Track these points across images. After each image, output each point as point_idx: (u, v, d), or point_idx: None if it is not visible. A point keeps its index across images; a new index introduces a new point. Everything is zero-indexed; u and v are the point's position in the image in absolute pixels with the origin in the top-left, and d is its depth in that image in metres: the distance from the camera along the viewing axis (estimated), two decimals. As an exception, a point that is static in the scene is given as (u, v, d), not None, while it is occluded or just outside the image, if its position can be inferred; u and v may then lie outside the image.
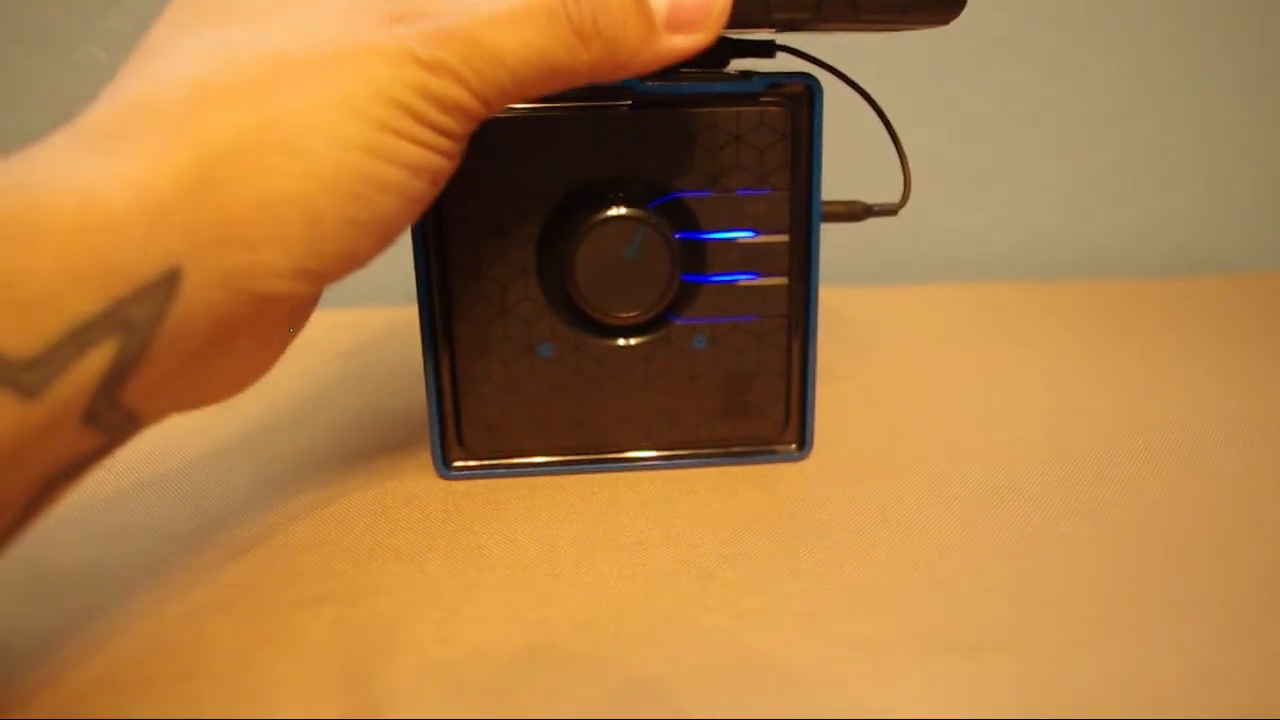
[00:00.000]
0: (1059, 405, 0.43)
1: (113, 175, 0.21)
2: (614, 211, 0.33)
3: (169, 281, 0.21)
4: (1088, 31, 0.66)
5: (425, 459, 0.38)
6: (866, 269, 0.69)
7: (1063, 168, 0.69)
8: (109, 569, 0.30)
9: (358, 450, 0.39)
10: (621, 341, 0.35)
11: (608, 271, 0.33)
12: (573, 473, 0.36)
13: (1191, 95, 0.68)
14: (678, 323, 0.35)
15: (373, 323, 0.59)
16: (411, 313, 0.56)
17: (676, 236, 0.33)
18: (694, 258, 0.34)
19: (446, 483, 0.36)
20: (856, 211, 0.37)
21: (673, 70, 0.31)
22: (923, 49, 0.65)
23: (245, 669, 0.26)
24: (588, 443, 0.36)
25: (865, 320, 0.57)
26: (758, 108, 0.33)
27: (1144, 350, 0.51)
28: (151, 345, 0.21)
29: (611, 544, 0.32)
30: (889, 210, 0.37)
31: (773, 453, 0.37)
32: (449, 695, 0.24)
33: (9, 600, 0.29)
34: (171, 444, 0.40)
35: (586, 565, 0.30)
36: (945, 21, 0.30)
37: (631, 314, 0.34)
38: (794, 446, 0.37)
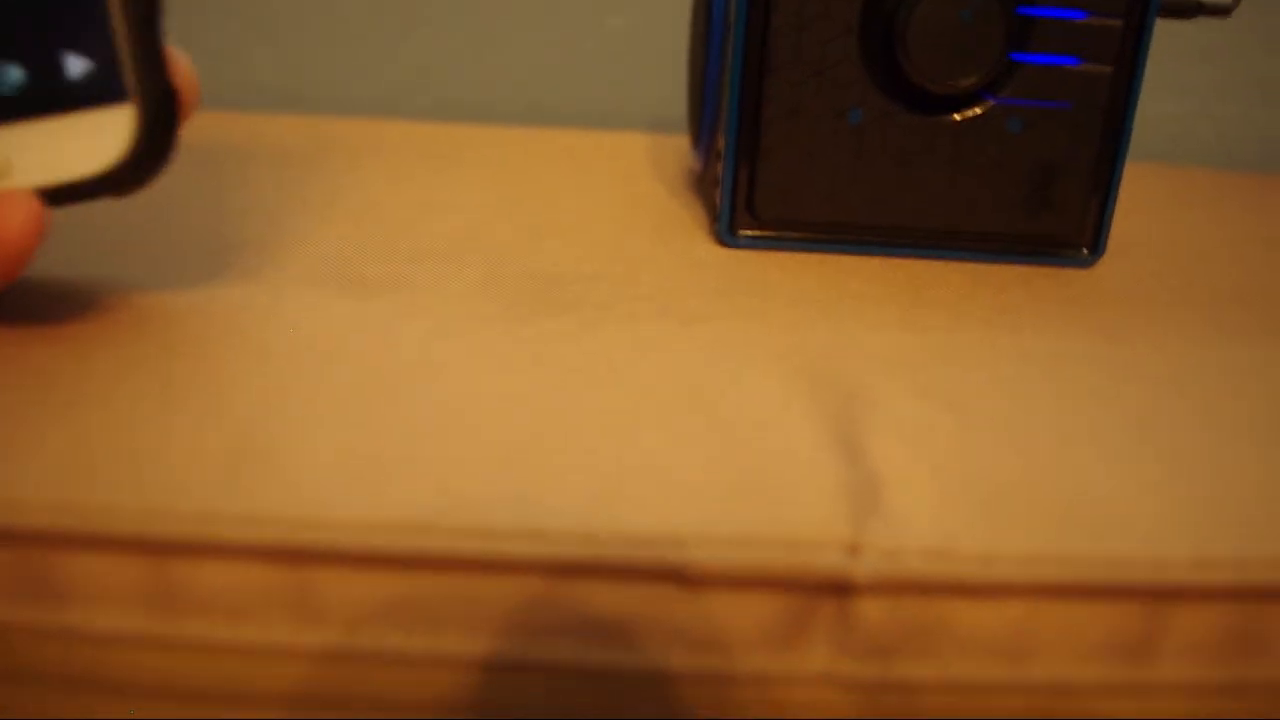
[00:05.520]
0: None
1: None
2: (956, -31, 0.32)
3: None
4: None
5: (692, 232, 0.37)
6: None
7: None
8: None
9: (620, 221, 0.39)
10: (934, 117, 0.34)
11: (939, 35, 0.32)
12: (857, 253, 0.35)
13: None
14: (994, 102, 0.34)
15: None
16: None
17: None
18: (1020, 33, 0.33)
19: (729, 250, 0.35)
20: (1189, 7, 0.35)
21: None
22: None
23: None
24: (880, 222, 0.35)
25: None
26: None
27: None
28: None
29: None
30: (1222, 9, 0.35)
31: (1059, 255, 0.36)
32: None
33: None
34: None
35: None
36: None
37: (963, 82, 0.32)
38: (1086, 250, 0.36)
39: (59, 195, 0.24)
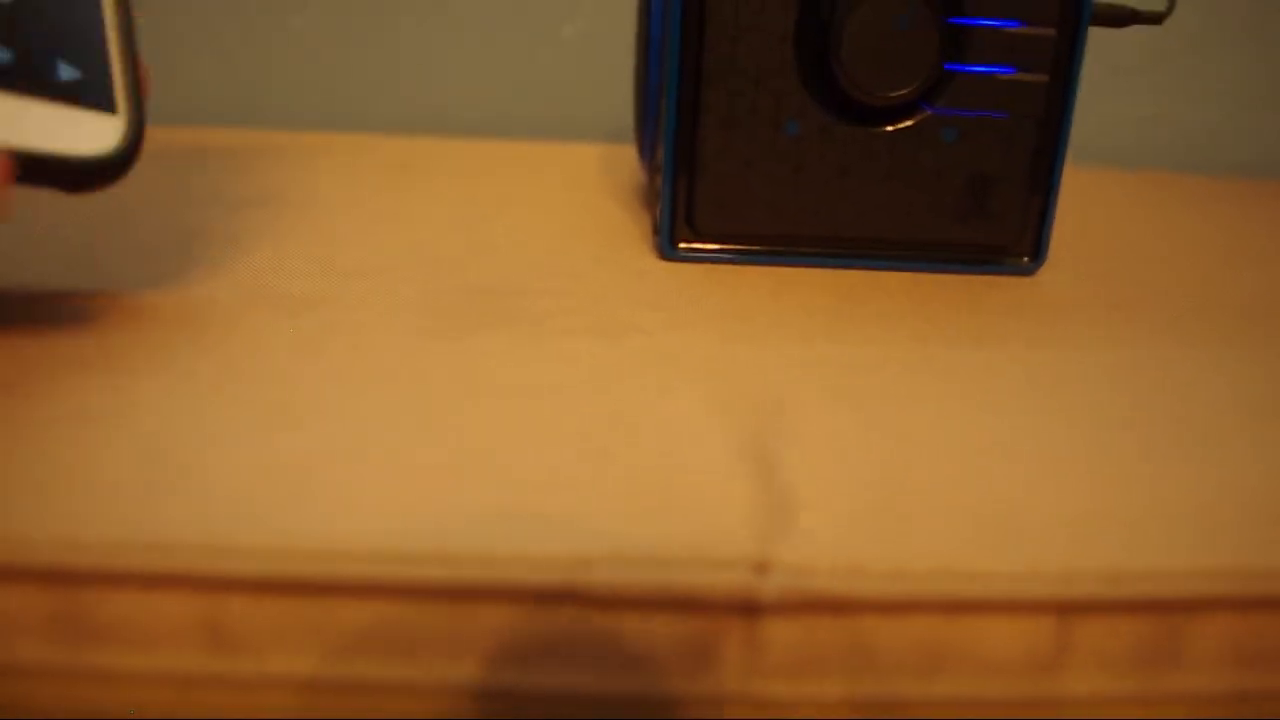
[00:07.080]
0: None
1: None
2: (887, -20, 0.32)
3: None
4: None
5: (636, 244, 0.37)
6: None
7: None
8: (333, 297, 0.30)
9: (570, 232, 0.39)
10: (870, 128, 0.34)
11: (874, 46, 0.32)
12: (798, 265, 0.36)
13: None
14: (930, 112, 0.34)
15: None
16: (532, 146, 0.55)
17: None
18: (954, 44, 0.33)
19: (669, 264, 0.35)
20: (1122, 16, 0.35)
21: None
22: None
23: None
24: (820, 233, 0.35)
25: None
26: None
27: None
28: None
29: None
30: (1154, 17, 0.35)
31: (1001, 263, 0.36)
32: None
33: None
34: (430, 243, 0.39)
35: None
36: None
37: (898, 92, 0.33)
38: (1026, 259, 0.36)
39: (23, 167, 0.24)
